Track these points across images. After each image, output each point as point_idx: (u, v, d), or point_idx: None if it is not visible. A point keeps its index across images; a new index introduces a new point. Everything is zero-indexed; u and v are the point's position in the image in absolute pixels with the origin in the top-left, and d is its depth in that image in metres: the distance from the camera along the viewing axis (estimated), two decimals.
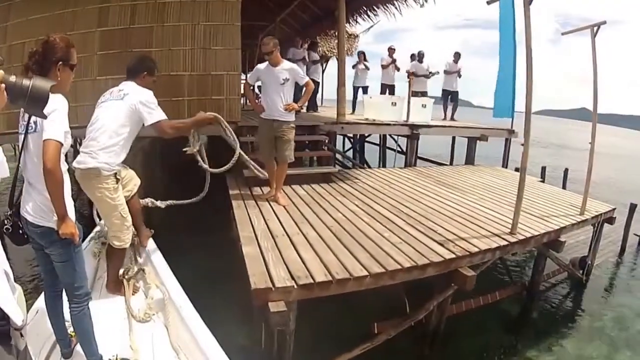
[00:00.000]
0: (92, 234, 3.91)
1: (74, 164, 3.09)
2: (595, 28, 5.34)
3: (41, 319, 2.70)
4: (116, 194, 3.20)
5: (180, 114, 6.03)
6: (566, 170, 11.54)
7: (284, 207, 5.04)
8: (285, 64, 5.03)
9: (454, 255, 3.86)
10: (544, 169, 11.23)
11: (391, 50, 11.39)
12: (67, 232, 2.21)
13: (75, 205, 2.40)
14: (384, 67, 11.40)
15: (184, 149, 3.83)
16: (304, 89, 5.17)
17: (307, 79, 5.13)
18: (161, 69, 5.97)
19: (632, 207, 8.27)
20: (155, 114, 3.25)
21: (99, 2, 5.77)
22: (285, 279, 3.16)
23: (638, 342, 5.09)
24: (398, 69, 11.43)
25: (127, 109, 3.18)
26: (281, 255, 3.60)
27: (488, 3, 4.76)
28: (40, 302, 2.75)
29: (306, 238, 4.05)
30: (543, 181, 9.02)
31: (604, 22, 5.36)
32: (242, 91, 6.88)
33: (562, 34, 6.26)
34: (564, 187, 10.40)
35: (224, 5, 6.11)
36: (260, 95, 5.47)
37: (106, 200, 3.15)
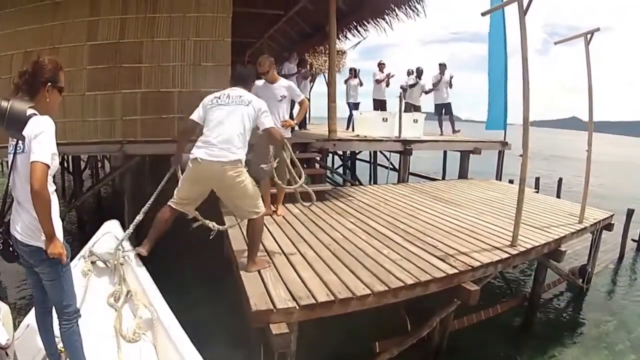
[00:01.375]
0: (81, 253, 3.80)
1: (205, 157, 3.43)
2: (589, 36, 5.34)
3: (31, 334, 2.76)
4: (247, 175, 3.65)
5: (170, 132, 5.93)
6: (560, 180, 11.61)
7: (279, 226, 4.93)
8: (283, 82, 5.07)
9: (456, 270, 3.77)
10: (537, 179, 11.27)
11: (382, 66, 11.47)
12: (55, 252, 2.24)
13: (63, 225, 2.41)
14: (378, 82, 11.43)
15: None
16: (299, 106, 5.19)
17: (303, 96, 5.19)
18: (151, 85, 5.90)
19: (630, 213, 8.34)
20: (270, 120, 3.71)
21: (88, 15, 5.69)
22: (286, 299, 3.04)
23: None
24: (388, 85, 11.48)
25: (253, 114, 3.60)
26: (280, 275, 3.47)
27: (483, 15, 4.75)
28: (31, 317, 2.77)
29: (304, 257, 3.93)
30: (537, 192, 9.03)
31: (598, 29, 5.37)
32: None
33: (555, 43, 6.21)
34: (558, 196, 10.49)
35: (214, 20, 6.05)
36: None
37: (246, 183, 3.57)
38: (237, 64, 4.94)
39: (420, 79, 11.19)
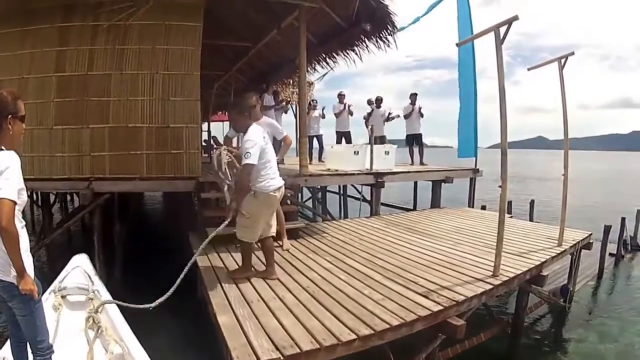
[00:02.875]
0: (51, 287, 3.76)
1: (281, 184, 4.25)
2: (563, 60, 5.42)
3: None
4: None
5: (139, 170, 5.73)
6: (532, 202, 11.74)
7: (253, 267, 4.69)
8: (265, 120, 4.99)
9: (441, 307, 3.66)
10: (510, 203, 11.35)
11: (341, 97, 11.49)
12: (27, 288, 2.29)
13: (33, 261, 2.46)
14: (337, 115, 11.43)
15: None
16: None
17: (285, 133, 5.20)
18: (119, 120, 5.72)
19: (607, 229, 8.55)
20: None
21: (57, 45, 5.56)
22: (269, 350, 2.85)
23: (627, 356, 5.37)
24: (351, 114, 11.50)
25: None
26: (260, 324, 3.27)
27: (458, 45, 4.80)
28: (6, 349, 2.82)
29: (283, 302, 3.75)
30: (512, 216, 9.06)
31: (572, 54, 5.46)
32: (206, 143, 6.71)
33: (528, 69, 6.36)
34: (530, 219, 10.64)
35: (184, 53, 5.96)
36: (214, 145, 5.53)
37: None
38: (243, 94, 4.93)
39: (379, 107, 11.30)
